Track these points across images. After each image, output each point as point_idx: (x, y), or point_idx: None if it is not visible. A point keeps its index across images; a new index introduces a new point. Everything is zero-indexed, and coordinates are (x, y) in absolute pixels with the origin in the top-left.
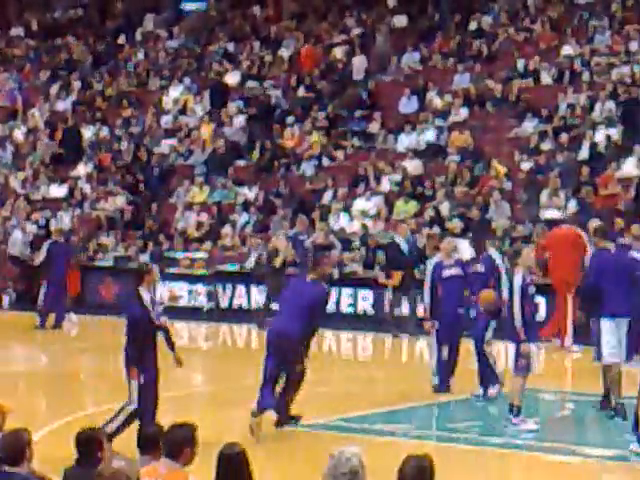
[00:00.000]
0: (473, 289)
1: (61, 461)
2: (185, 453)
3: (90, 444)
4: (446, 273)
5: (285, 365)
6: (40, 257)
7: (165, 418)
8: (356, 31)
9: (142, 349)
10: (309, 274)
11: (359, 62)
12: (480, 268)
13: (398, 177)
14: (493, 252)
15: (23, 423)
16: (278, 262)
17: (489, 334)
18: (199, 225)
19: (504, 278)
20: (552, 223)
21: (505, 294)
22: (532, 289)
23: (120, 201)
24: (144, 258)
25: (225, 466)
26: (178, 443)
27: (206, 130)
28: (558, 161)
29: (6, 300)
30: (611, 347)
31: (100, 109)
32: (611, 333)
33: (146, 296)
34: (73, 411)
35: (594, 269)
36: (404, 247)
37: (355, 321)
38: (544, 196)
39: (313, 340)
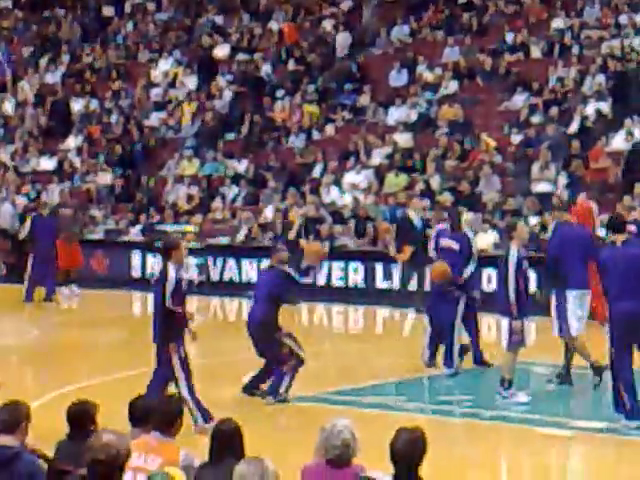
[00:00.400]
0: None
1: (53, 434)
2: (175, 425)
3: (82, 417)
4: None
5: (260, 349)
6: (24, 231)
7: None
8: (346, 5)
9: (172, 325)
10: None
11: (342, 39)
12: (454, 245)
13: (388, 150)
14: (469, 232)
15: (14, 396)
16: (292, 235)
17: (460, 309)
18: (189, 198)
19: (474, 258)
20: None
21: (468, 274)
22: (526, 264)
23: (110, 174)
24: (135, 231)
25: (220, 441)
26: (168, 416)
27: (189, 107)
28: (548, 134)
29: None
30: (579, 318)
31: (89, 82)
32: (578, 305)
33: (172, 273)
34: (65, 384)
35: (557, 242)
36: (417, 223)
37: (346, 294)
38: (535, 169)
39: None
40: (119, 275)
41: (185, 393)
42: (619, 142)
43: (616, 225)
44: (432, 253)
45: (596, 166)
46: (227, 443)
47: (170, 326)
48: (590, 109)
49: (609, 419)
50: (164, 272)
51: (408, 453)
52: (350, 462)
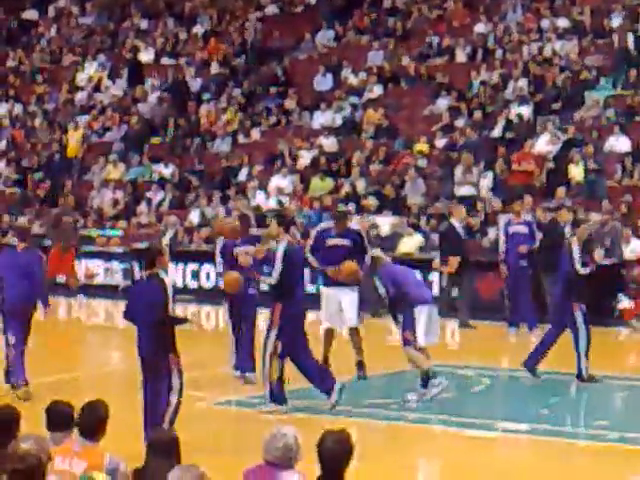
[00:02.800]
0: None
1: None
2: (100, 430)
3: (6, 423)
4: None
5: None
6: None
7: (81, 397)
8: (271, 9)
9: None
10: None
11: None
12: (346, 242)
13: (314, 154)
14: (355, 225)
15: None
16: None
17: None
18: (115, 202)
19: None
20: None
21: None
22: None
23: (35, 178)
24: None
25: (157, 448)
26: (93, 422)
27: (75, 133)
28: (471, 138)
29: None
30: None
31: (13, 85)
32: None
33: (167, 280)
34: None
35: None
36: (460, 230)
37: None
38: (458, 173)
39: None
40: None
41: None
42: (542, 145)
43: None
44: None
45: (519, 169)
46: (164, 450)
47: (167, 336)
48: (513, 113)
49: (533, 420)
50: (159, 280)
51: (335, 455)
52: (290, 466)
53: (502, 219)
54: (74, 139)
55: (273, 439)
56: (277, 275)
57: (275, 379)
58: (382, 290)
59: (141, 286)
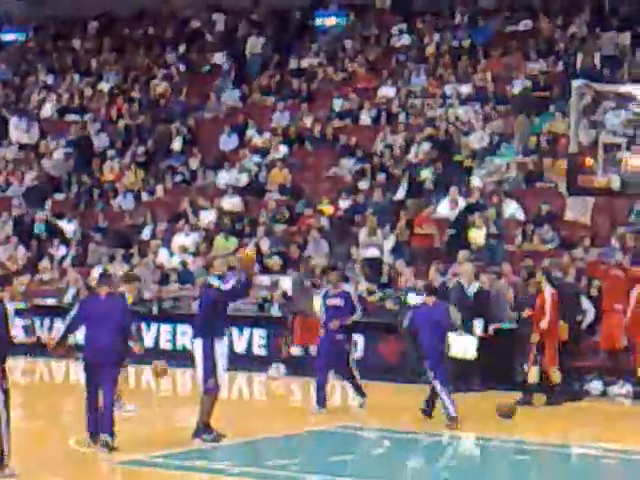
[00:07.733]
0: None
1: None
2: None
3: None
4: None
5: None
6: None
7: None
8: (177, 67)
9: None
10: None
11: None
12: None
13: (218, 213)
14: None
15: None
16: None
17: None
18: (17, 258)
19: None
20: None
21: None
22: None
23: None
24: None
25: None
26: None
27: None
28: (375, 200)
29: None
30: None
31: None
32: None
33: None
34: None
35: None
36: (469, 291)
37: (176, 357)
38: (362, 234)
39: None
40: None
41: None
42: (444, 209)
43: None
44: None
45: (421, 232)
46: None
47: None
48: (416, 176)
49: None
50: None
51: None
52: None
53: (321, 290)
54: None
55: None
56: None
57: None
58: None
59: None
